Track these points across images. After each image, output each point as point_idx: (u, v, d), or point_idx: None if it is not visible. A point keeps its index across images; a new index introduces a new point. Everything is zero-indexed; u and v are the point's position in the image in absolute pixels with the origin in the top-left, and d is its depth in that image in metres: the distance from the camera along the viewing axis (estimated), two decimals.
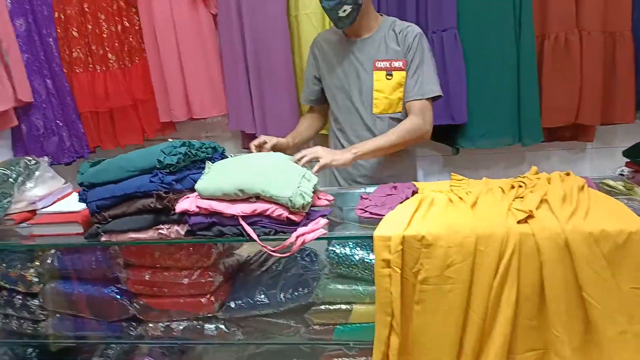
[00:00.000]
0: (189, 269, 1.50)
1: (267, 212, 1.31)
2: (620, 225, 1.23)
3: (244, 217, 1.32)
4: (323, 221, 1.36)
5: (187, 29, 2.27)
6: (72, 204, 1.67)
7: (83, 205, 1.58)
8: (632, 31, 2.09)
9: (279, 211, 1.30)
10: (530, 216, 1.26)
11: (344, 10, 1.68)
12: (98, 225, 1.43)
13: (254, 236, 1.30)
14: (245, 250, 1.79)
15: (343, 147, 1.85)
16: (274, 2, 2.21)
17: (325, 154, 1.58)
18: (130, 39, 2.33)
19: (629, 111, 2.16)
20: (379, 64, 1.76)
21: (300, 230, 1.30)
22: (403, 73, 1.74)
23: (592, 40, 2.10)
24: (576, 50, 2.09)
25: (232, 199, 1.34)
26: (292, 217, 1.31)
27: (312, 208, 1.43)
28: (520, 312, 1.26)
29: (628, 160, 1.60)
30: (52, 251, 1.65)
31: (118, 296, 1.59)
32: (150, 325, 1.58)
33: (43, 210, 1.67)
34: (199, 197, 1.36)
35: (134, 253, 1.52)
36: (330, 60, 1.84)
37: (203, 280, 1.49)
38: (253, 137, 2.48)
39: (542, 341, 1.27)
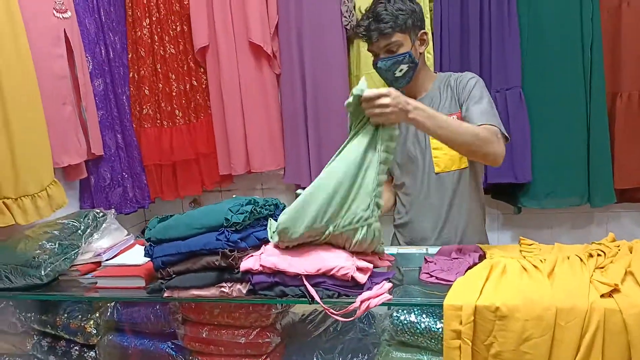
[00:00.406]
0: (247, 328, 1.48)
1: (332, 272, 1.28)
2: None
3: (308, 277, 1.30)
4: (387, 285, 1.31)
5: (252, 87, 2.37)
6: (135, 256, 1.71)
7: (146, 259, 1.62)
8: None
9: (344, 270, 1.27)
10: (616, 290, 1.17)
11: (401, 70, 1.66)
12: (162, 280, 1.44)
13: (317, 298, 1.27)
14: (300, 308, 1.75)
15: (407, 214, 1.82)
16: (336, 63, 2.27)
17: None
18: (197, 97, 2.44)
19: None
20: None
21: (366, 294, 1.25)
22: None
23: None
24: None
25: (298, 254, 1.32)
26: (357, 276, 1.28)
27: (375, 269, 1.39)
28: None
29: None
30: (112, 303, 1.68)
31: (174, 352, 1.58)
32: None
33: (107, 262, 1.71)
34: (263, 254, 1.36)
35: (193, 309, 1.52)
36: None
37: (260, 341, 1.46)
38: None
39: None
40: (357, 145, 1.29)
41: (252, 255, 1.39)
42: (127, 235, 1.99)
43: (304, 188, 2.46)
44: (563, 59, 2.05)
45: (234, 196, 1.67)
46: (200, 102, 2.46)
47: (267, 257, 1.35)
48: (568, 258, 1.37)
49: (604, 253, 1.37)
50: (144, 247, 1.64)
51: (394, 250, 1.68)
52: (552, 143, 2.12)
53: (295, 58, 2.32)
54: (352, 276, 1.28)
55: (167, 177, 2.56)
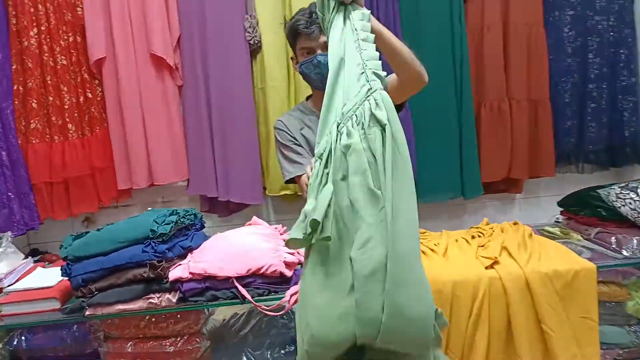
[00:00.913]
0: (174, 337, 1.50)
1: (262, 271, 1.38)
2: (567, 265, 1.44)
3: (238, 279, 1.38)
4: None
5: (153, 99, 2.33)
6: (41, 279, 1.63)
7: (56, 279, 1.56)
8: (549, 99, 2.45)
9: (272, 267, 1.37)
10: (496, 262, 1.44)
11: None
12: (83, 299, 1.41)
13: (249, 298, 1.36)
14: (220, 314, 1.81)
15: None
16: (240, 76, 2.34)
17: None
18: (92, 110, 2.34)
19: (550, 166, 2.48)
20: None
21: (294, 288, 1.37)
22: None
23: (520, 107, 2.42)
24: (507, 115, 2.41)
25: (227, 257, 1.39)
26: (285, 272, 1.39)
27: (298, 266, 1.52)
28: (492, 348, 1.41)
29: (562, 209, 1.84)
30: (19, 331, 1.58)
31: None
32: None
33: (10, 287, 1.61)
34: (191, 262, 1.40)
35: (117, 325, 1.50)
36: (308, 135, 1.70)
37: (190, 347, 1.50)
38: (213, 200, 2.54)
39: None
40: (333, 41, 1.07)
41: (179, 264, 1.43)
42: (24, 258, 1.87)
43: (210, 199, 2.53)
44: (439, 74, 2.35)
45: (149, 209, 1.69)
46: (95, 114, 2.36)
47: (196, 264, 1.41)
48: (456, 241, 1.63)
49: (483, 234, 1.66)
50: (48, 267, 1.58)
51: None
52: (431, 146, 2.43)
53: (198, 70, 2.34)
54: (280, 271, 1.39)
55: (59, 195, 2.40)
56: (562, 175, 2.63)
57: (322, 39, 1.57)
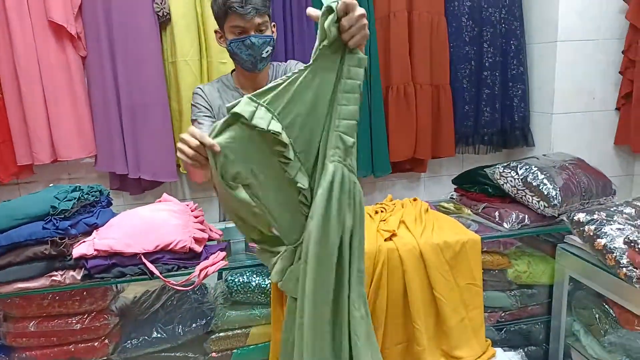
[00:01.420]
0: (81, 314, 1.48)
1: (170, 247, 1.39)
2: (456, 237, 1.60)
3: (146, 255, 1.39)
4: (222, 254, 1.49)
5: (53, 70, 2.20)
6: None
7: None
8: (450, 84, 2.64)
9: (181, 243, 1.40)
10: (394, 235, 1.56)
11: (267, 52, 1.61)
12: None
13: (158, 274, 1.37)
14: (131, 291, 1.80)
15: None
16: (149, 48, 2.27)
17: None
18: None
19: (451, 147, 2.69)
20: None
21: (203, 263, 1.41)
22: None
23: (423, 91, 2.59)
24: (412, 98, 2.56)
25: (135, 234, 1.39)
26: (195, 247, 1.42)
27: (208, 242, 1.55)
28: (389, 313, 1.55)
29: (456, 186, 2.02)
30: None
31: None
32: None
33: None
34: (96, 239, 1.39)
35: (17, 304, 1.45)
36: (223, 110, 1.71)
37: (98, 324, 1.49)
38: (123, 177, 2.47)
39: (406, 335, 1.57)
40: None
41: (84, 241, 1.41)
42: None
43: (120, 176, 2.45)
44: None
45: (51, 185, 1.62)
46: None
47: (101, 241, 1.39)
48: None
49: (385, 210, 1.79)
50: None
51: (221, 225, 1.85)
52: None
53: (103, 41, 2.24)
54: (189, 247, 1.42)
55: None
56: (461, 155, 2.86)
57: (257, 20, 1.56)
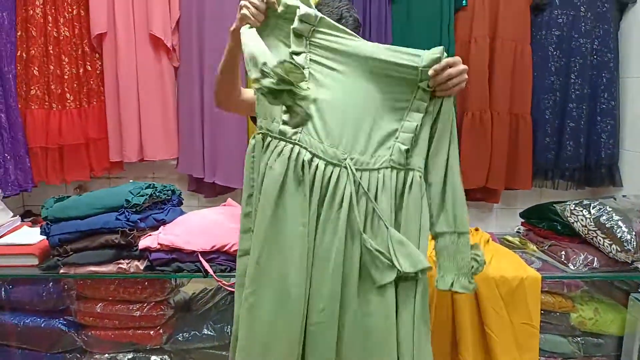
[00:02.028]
0: (141, 302, 1.60)
1: (225, 249, 1.47)
2: (514, 272, 1.53)
3: (203, 254, 1.48)
4: None
5: (149, 78, 2.43)
6: (25, 236, 1.73)
7: (38, 238, 1.66)
8: (530, 114, 2.53)
9: (236, 246, 1.46)
10: None
11: None
12: (59, 258, 1.51)
13: (212, 272, 1.45)
14: (191, 287, 1.91)
15: None
16: None
17: None
18: (91, 82, 2.44)
19: (527, 179, 2.56)
20: None
21: None
22: None
23: (501, 119, 2.50)
24: (488, 126, 2.48)
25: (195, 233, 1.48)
26: None
27: None
28: (436, 346, 1.50)
29: (523, 220, 1.93)
30: (1, 282, 1.68)
31: (65, 327, 1.64)
32: (96, 356, 1.64)
33: None
34: (161, 234, 1.50)
35: (89, 286, 1.60)
36: None
37: (155, 314, 1.60)
38: (200, 180, 2.63)
39: None
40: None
41: (150, 235, 1.53)
42: (13, 216, 1.98)
43: (197, 179, 2.62)
44: None
45: (130, 181, 1.78)
46: (93, 87, 2.45)
47: (165, 236, 1.50)
48: None
49: None
50: (34, 227, 1.68)
51: None
52: None
53: (194, 53, 2.43)
54: None
55: (53, 161, 2.51)
56: (539, 189, 2.71)
57: None
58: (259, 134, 1.11)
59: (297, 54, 1.07)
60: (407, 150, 1.06)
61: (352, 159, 1.05)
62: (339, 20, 1.36)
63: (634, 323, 1.53)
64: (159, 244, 1.48)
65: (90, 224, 1.48)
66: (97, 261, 1.50)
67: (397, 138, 1.07)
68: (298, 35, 1.07)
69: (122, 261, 1.51)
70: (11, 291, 1.66)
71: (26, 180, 2.46)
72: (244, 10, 1.10)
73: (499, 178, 2.55)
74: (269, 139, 1.08)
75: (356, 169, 1.05)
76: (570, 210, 1.67)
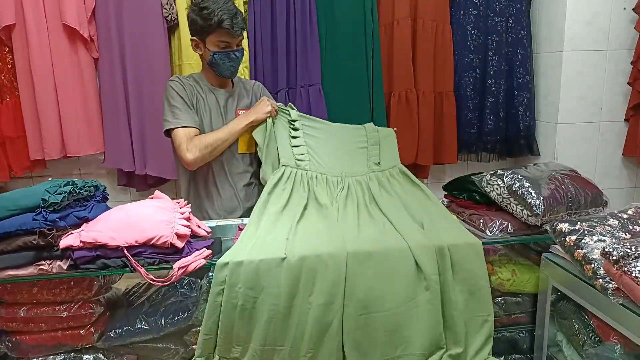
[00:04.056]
0: (68, 303, 1.55)
1: (152, 242, 1.45)
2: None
3: (128, 248, 1.45)
4: (207, 252, 1.53)
5: (66, 70, 2.32)
6: None
7: None
8: (453, 91, 2.64)
9: (163, 239, 1.45)
10: None
11: (240, 62, 1.95)
12: None
13: (138, 267, 1.43)
14: (123, 283, 1.87)
15: (215, 179, 2.03)
16: (157, 51, 2.37)
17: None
18: (2, 77, 2.30)
19: (453, 154, 2.69)
20: (240, 112, 2.00)
21: (183, 261, 1.45)
22: None
23: (426, 98, 2.60)
24: (414, 105, 2.58)
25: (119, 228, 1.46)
26: (176, 243, 1.47)
27: (195, 238, 1.60)
28: None
29: (446, 193, 2.02)
30: None
31: None
32: None
33: None
34: (83, 231, 1.45)
35: (8, 290, 1.53)
36: (199, 104, 1.95)
37: (83, 312, 1.55)
38: (130, 174, 2.56)
39: None
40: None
41: (71, 233, 1.47)
42: None
43: (127, 173, 2.55)
44: (352, 63, 2.49)
45: (49, 179, 1.71)
46: (5, 82, 2.32)
47: (88, 233, 1.46)
48: None
49: None
50: None
51: (212, 223, 1.90)
52: None
53: (114, 44, 2.35)
54: (171, 243, 1.47)
55: None
56: (465, 163, 2.85)
57: (240, 38, 1.88)
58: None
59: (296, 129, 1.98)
60: (379, 163, 1.97)
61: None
62: (235, 15, 1.82)
63: (545, 280, 1.66)
64: (81, 241, 1.43)
65: (4, 226, 1.41)
66: (16, 264, 1.43)
67: (368, 159, 1.99)
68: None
69: (43, 262, 1.45)
70: None
71: None
72: (270, 108, 1.94)
73: (427, 154, 2.65)
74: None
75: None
76: (487, 180, 1.77)
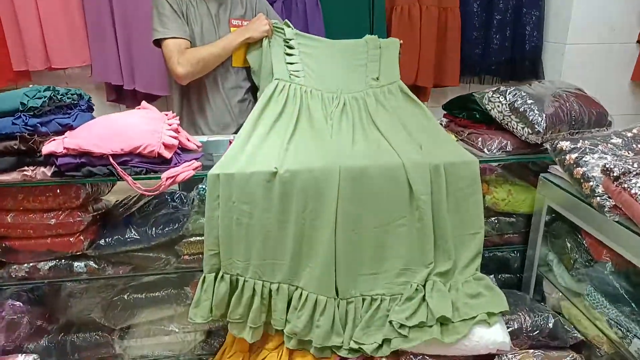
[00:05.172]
0: (56, 210, 1.53)
1: (138, 150, 1.40)
2: None
3: (114, 156, 1.40)
4: (197, 164, 1.49)
5: None
6: None
7: None
8: (460, 7, 2.49)
9: (150, 148, 1.40)
10: None
11: None
12: None
13: (124, 175, 1.39)
14: (113, 196, 1.85)
15: (207, 94, 1.97)
16: None
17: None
18: None
19: (455, 76, 2.58)
20: (234, 22, 1.91)
21: (172, 171, 1.41)
22: None
23: (430, 13, 2.45)
24: (417, 20, 2.43)
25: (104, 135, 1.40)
26: (163, 153, 1.42)
27: (185, 152, 1.55)
28: None
29: (445, 112, 1.96)
30: None
31: None
32: (14, 267, 1.58)
33: None
34: (66, 138, 1.40)
35: None
36: (190, 13, 1.87)
37: (72, 220, 1.53)
38: (120, 89, 2.47)
39: None
40: None
41: (54, 139, 1.42)
42: None
43: (116, 88, 2.45)
44: None
45: (31, 86, 1.63)
46: None
47: (71, 140, 1.40)
48: None
49: None
50: None
51: (203, 138, 1.84)
52: None
53: None
54: (158, 152, 1.42)
55: None
56: (467, 85, 2.75)
57: None
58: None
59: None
60: (377, 78, 1.87)
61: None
62: None
63: (541, 200, 1.63)
64: (64, 148, 1.38)
65: None
66: None
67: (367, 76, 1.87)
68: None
69: (26, 168, 1.41)
70: None
71: None
72: (267, 27, 1.84)
73: (428, 75, 2.55)
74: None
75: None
76: (489, 97, 1.69)
